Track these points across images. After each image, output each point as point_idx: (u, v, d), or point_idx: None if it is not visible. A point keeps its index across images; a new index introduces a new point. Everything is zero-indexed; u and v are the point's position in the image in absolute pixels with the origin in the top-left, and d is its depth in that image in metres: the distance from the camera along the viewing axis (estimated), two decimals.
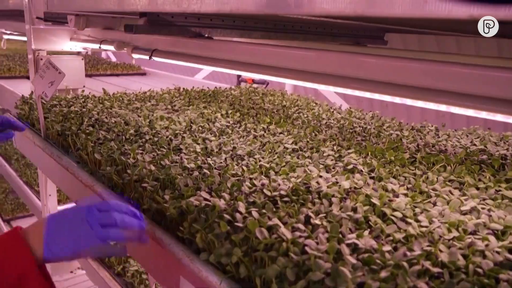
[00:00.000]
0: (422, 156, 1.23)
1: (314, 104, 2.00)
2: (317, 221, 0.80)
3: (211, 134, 1.42)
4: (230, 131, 1.46)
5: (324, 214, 0.84)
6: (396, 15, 0.64)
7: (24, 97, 1.82)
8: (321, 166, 1.14)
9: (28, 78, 2.94)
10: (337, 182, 0.98)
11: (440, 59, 0.91)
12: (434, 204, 0.93)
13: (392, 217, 0.84)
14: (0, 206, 3.76)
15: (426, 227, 0.80)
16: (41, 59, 2.03)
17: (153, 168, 1.08)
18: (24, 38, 2.82)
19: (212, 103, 1.87)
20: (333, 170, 1.11)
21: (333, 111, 1.86)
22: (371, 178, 1.06)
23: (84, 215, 0.79)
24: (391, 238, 0.77)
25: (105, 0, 1.31)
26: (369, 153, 1.28)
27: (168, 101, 1.87)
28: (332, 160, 1.20)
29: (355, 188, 0.96)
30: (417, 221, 0.83)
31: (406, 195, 0.96)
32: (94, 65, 3.48)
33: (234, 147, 1.26)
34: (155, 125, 1.42)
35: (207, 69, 1.39)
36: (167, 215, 0.93)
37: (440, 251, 0.72)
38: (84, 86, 2.25)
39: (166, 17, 1.36)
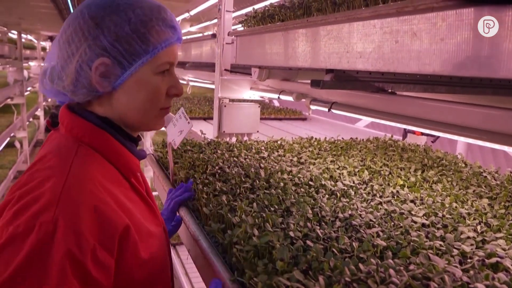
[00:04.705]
0: None
1: (463, 165, 1.71)
2: None
3: (331, 195, 1.29)
4: (353, 193, 1.31)
5: None
6: None
7: (164, 141, 1.96)
8: (455, 252, 0.92)
9: (205, 119, 3.41)
10: (468, 284, 0.76)
11: None
12: None
13: None
14: None
15: None
16: (225, 105, 2.24)
17: (255, 232, 1.00)
18: (205, 85, 3.18)
19: (342, 157, 1.74)
20: (469, 261, 0.88)
21: (486, 176, 1.55)
22: None
23: None
24: None
25: (296, 58, 1.49)
26: None
27: (296, 151, 1.81)
28: (471, 245, 0.96)
29: None
30: None
31: None
32: (260, 109, 3.80)
33: (351, 215, 1.12)
34: (271, 180, 1.36)
35: (383, 123, 1.34)
36: None
37: None
38: (257, 131, 2.39)
39: (351, 73, 1.39)
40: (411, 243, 0.95)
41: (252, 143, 1.93)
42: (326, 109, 1.60)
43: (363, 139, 2.14)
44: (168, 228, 1.23)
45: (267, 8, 1.84)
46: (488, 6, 0.81)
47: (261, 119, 3.62)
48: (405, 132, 3.38)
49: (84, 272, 0.70)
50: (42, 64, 9.44)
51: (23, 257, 0.66)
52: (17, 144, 6.74)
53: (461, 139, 1.11)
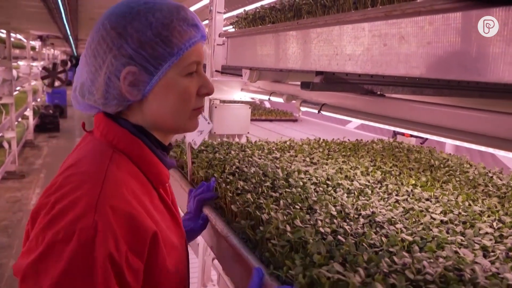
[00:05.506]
0: None
1: (468, 166, 1.78)
2: None
3: (349, 193, 1.35)
4: (369, 192, 1.36)
5: None
6: None
7: (177, 140, 1.99)
8: (477, 246, 0.98)
9: None
10: (498, 274, 0.81)
11: None
12: None
13: None
14: None
15: None
16: (216, 107, 2.23)
17: (287, 228, 1.04)
18: None
19: (352, 158, 1.79)
20: (492, 254, 0.93)
21: (492, 176, 1.63)
22: None
23: None
24: None
25: (286, 60, 1.49)
26: None
27: (307, 152, 1.86)
28: (490, 240, 1.02)
29: None
30: None
31: None
32: (251, 111, 3.81)
33: (373, 212, 1.17)
34: (290, 179, 1.40)
35: (373, 125, 1.35)
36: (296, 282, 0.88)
37: None
38: (248, 132, 2.38)
39: (341, 75, 1.40)
40: (435, 238, 1.01)
41: (263, 143, 1.97)
42: (316, 111, 1.60)
43: (368, 141, 2.21)
44: (196, 226, 1.26)
45: (258, 10, 1.84)
46: (475, 10, 0.82)
47: (252, 120, 3.64)
48: (394, 134, 3.46)
49: (121, 275, 0.72)
50: (32, 64, 9.30)
51: (66, 263, 0.68)
52: (6, 145, 6.64)
53: (449, 141, 1.13)
